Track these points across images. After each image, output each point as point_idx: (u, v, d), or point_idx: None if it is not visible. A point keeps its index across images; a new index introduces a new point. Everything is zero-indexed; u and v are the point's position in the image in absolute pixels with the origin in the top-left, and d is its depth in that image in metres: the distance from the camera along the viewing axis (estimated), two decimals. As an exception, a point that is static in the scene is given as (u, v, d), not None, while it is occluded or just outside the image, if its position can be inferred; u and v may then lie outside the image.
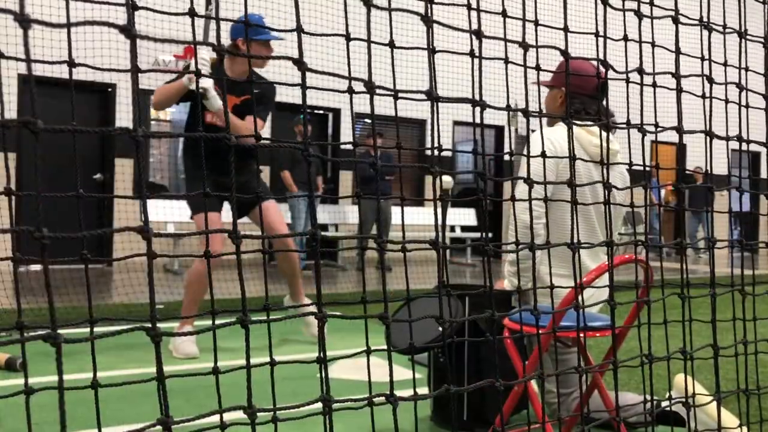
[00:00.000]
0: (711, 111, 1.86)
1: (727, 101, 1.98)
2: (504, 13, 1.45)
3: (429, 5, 1.26)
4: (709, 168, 1.87)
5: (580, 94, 2.73)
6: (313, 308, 4.52)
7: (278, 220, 4.45)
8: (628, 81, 1.69)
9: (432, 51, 1.25)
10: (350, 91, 1.22)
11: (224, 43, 4.39)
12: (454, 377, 2.79)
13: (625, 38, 1.65)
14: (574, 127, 2.71)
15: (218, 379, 1.12)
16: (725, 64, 1.92)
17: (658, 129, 1.73)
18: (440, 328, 2.43)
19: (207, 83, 3.94)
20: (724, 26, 1.90)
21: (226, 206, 5.14)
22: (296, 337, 4.74)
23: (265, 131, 8.96)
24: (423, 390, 3.15)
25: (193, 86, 3.98)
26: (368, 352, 1.31)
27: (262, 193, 4.42)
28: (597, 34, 1.59)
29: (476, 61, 1.35)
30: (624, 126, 1.69)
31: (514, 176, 1.56)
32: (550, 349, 2.59)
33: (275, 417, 1.10)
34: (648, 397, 2.33)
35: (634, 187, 1.81)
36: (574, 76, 2.71)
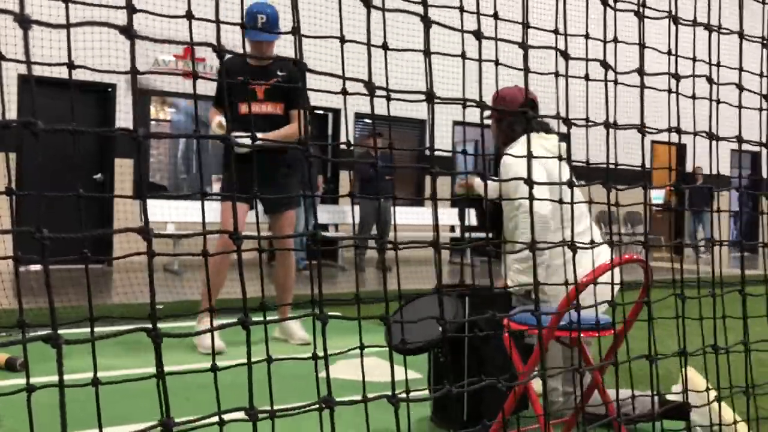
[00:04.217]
0: (711, 111, 1.86)
1: (722, 101, 1.98)
2: (495, 16, 1.45)
3: (426, 7, 1.26)
4: (711, 169, 1.87)
5: (509, 114, 3.08)
6: (296, 322, 4.55)
7: (286, 231, 4.55)
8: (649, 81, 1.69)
9: (428, 53, 1.25)
10: (344, 92, 1.22)
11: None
12: (455, 377, 2.79)
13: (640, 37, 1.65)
14: (537, 139, 2.93)
15: (216, 378, 1.12)
16: (718, 65, 1.92)
17: (660, 130, 1.74)
18: (440, 328, 2.44)
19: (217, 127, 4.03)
20: (719, 26, 1.90)
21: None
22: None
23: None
24: (423, 390, 3.14)
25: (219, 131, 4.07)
26: (361, 348, 1.31)
27: (288, 200, 4.55)
28: (602, 37, 1.59)
29: (477, 61, 1.35)
30: (628, 126, 1.69)
31: (516, 177, 1.56)
32: (555, 347, 2.61)
33: (273, 412, 1.10)
34: (648, 394, 2.34)
35: (634, 188, 1.81)
36: (500, 102, 3.08)
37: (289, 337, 4.61)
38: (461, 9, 1.37)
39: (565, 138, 2.40)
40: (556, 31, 1.52)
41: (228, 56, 4.46)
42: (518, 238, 2.88)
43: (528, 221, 2.79)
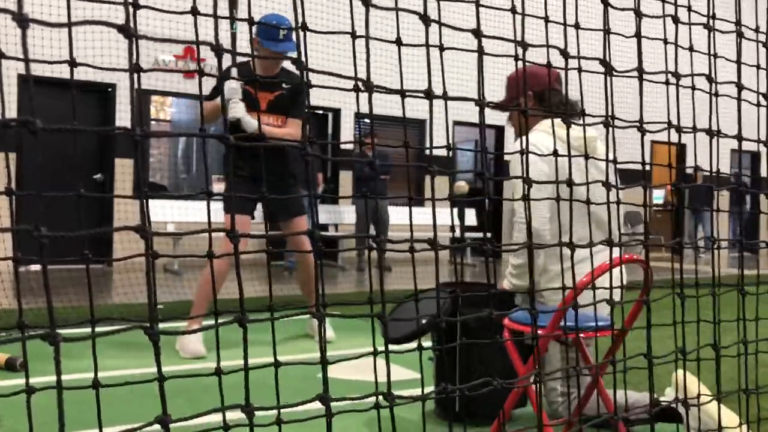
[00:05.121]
0: (712, 110, 1.86)
1: (720, 97, 1.98)
2: (486, 10, 1.45)
3: (428, 4, 1.26)
4: (713, 168, 1.87)
5: (541, 91, 2.69)
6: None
7: (305, 239, 4.58)
8: (642, 79, 1.69)
9: (441, 49, 1.25)
10: (356, 89, 1.22)
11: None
12: (452, 371, 2.80)
13: (638, 35, 1.65)
14: (556, 127, 2.70)
15: (221, 380, 1.12)
16: (713, 59, 1.92)
17: (659, 129, 1.73)
18: (428, 322, 2.46)
19: (240, 111, 3.99)
20: (710, 23, 1.90)
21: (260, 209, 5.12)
22: (300, 336, 4.75)
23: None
24: (428, 387, 3.16)
25: (229, 116, 3.99)
26: (374, 354, 1.31)
27: (299, 205, 4.58)
28: (604, 30, 1.59)
29: (478, 60, 1.35)
30: (625, 125, 1.69)
31: (518, 176, 1.56)
32: (554, 346, 2.61)
33: (279, 419, 1.10)
34: (648, 396, 2.34)
35: (634, 187, 1.80)
36: (529, 80, 2.67)
37: (315, 334, 4.67)
38: (478, 4, 1.36)
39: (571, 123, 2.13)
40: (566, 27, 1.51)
41: (241, 60, 4.32)
42: (513, 246, 2.82)
43: (522, 229, 2.70)
